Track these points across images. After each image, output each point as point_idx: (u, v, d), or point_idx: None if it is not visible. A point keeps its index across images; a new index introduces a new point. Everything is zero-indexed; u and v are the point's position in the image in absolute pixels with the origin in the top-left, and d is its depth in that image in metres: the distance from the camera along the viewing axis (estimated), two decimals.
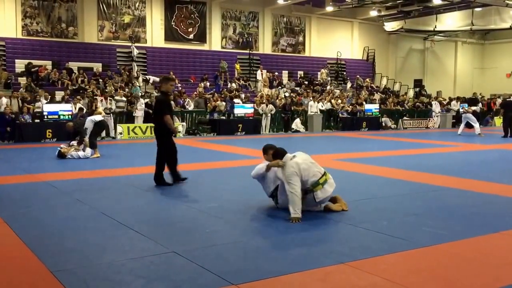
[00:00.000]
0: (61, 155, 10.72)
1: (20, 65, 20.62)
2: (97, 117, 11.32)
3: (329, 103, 22.43)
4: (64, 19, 22.25)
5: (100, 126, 11.37)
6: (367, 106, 22.39)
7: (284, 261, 3.89)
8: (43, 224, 5.09)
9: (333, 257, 3.98)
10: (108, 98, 17.42)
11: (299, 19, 28.76)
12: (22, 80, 19.36)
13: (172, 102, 14.71)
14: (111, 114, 17.09)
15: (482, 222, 5.23)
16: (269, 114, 20.01)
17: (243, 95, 21.53)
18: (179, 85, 22.62)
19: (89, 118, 11.33)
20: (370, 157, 11.25)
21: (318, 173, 5.40)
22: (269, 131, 20.04)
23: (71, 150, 10.85)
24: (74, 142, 11.15)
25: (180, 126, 18.01)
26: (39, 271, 3.67)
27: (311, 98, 21.82)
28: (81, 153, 10.79)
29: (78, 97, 17.67)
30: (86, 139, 10.94)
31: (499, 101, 27.39)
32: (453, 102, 25.11)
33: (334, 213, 5.50)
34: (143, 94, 19.67)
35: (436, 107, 24.13)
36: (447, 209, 5.81)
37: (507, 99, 18.41)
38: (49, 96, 17.54)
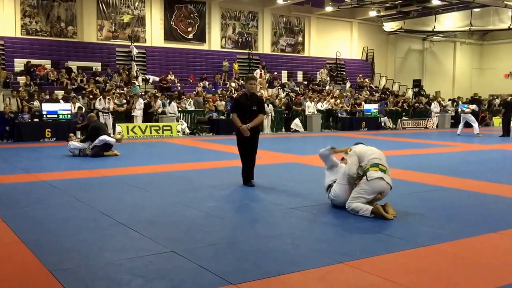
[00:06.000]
0: (67, 139, 11.41)
1: (19, 64, 20.62)
2: (111, 140, 11.15)
3: (328, 103, 22.44)
4: (63, 18, 22.24)
5: (108, 146, 11.18)
6: (366, 106, 22.40)
7: (283, 261, 3.89)
8: (42, 223, 5.08)
9: (332, 256, 3.98)
10: (107, 97, 17.39)
11: (299, 19, 28.78)
12: (21, 79, 19.35)
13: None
14: (109, 114, 17.10)
15: (481, 221, 5.23)
16: (269, 114, 20.03)
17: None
18: (178, 84, 22.67)
19: (105, 138, 10.99)
20: None
21: (379, 161, 5.47)
22: (269, 131, 20.06)
23: (74, 139, 11.26)
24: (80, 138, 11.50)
25: (179, 125, 18.08)
26: (38, 271, 3.66)
27: (307, 99, 21.85)
28: (80, 145, 11.06)
29: (75, 95, 17.69)
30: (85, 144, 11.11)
31: (497, 101, 27.56)
32: (448, 103, 25.34)
33: (334, 212, 5.49)
34: (143, 94, 19.70)
35: (435, 107, 24.20)
36: (446, 209, 5.82)
37: (507, 100, 18.54)
38: (46, 96, 17.58)
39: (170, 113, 18.24)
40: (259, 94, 22.66)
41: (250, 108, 7.16)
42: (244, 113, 7.14)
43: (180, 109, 19.19)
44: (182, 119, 18.63)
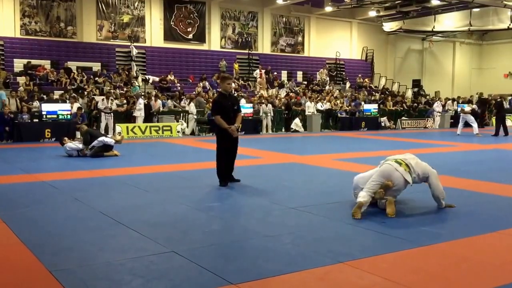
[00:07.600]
0: (61, 142, 11.25)
1: (18, 64, 20.61)
2: (109, 141, 11.14)
3: (328, 103, 22.45)
4: (63, 18, 22.23)
5: (107, 148, 11.18)
6: (366, 106, 22.39)
7: (283, 260, 3.89)
8: (42, 223, 5.08)
9: (332, 256, 3.98)
10: (110, 98, 17.38)
11: (298, 19, 28.78)
12: (21, 80, 19.35)
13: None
14: (111, 114, 17.09)
15: (480, 221, 5.24)
16: (269, 114, 20.03)
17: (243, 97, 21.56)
18: (177, 84, 22.67)
19: (104, 139, 11.03)
20: (369, 157, 11.24)
21: (400, 156, 5.68)
22: (269, 131, 20.06)
23: (70, 141, 11.22)
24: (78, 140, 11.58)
25: (179, 125, 18.08)
26: (38, 271, 3.66)
27: (307, 99, 21.85)
28: (76, 146, 11.11)
29: (74, 95, 17.65)
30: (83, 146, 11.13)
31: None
32: (449, 102, 25.45)
33: (334, 212, 5.49)
34: (143, 94, 19.69)
35: (437, 106, 24.25)
36: (446, 208, 5.81)
37: (498, 100, 18.91)
38: (44, 96, 17.59)
39: (190, 112, 18.50)
40: (259, 94, 22.72)
41: (232, 108, 7.28)
42: (228, 113, 7.20)
43: (179, 109, 19.20)
44: (182, 119, 18.63)
